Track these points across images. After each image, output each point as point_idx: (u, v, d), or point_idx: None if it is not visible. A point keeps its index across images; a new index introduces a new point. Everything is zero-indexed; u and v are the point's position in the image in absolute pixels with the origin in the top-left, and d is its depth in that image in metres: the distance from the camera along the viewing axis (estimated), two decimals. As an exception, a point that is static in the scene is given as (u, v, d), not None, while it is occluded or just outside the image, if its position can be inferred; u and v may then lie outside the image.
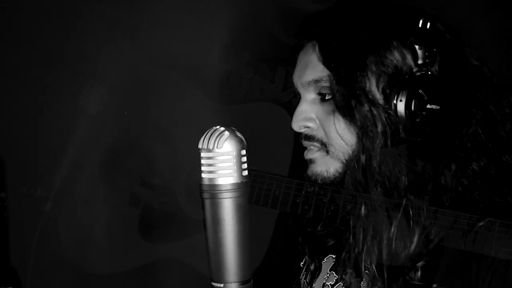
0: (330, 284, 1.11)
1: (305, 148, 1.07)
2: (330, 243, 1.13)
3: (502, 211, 0.92)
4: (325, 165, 1.02)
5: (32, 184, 1.30)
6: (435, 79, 0.95)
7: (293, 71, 1.08)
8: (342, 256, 1.01)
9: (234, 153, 0.79)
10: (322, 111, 1.01)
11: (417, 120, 0.94)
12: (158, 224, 1.43)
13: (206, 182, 0.79)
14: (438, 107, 0.94)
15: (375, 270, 0.94)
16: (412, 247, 0.93)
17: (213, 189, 0.79)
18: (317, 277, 1.15)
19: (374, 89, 0.95)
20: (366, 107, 0.94)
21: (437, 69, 0.96)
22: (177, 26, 1.43)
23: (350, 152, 0.98)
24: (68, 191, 1.34)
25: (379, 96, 0.95)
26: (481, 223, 0.92)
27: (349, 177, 0.97)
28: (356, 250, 0.96)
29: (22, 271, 1.26)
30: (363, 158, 0.95)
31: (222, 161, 0.78)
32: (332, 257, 1.14)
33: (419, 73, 0.94)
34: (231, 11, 1.48)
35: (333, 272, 1.11)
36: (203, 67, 1.46)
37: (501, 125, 0.99)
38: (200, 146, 0.80)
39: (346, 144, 0.97)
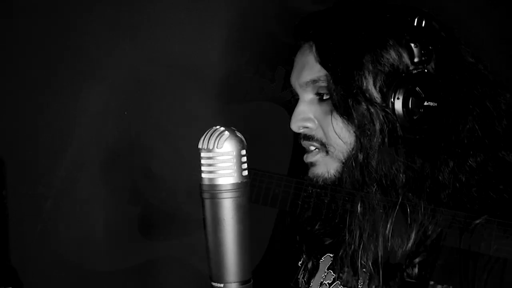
0: (328, 282, 1.12)
1: (304, 150, 1.08)
2: (327, 242, 1.14)
3: (499, 208, 0.93)
4: (326, 167, 1.02)
5: (32, 184, 1.30)
6: (432, 77, 0.96)
7: (291, 72, 1.09)
8: (340, 254, 1.02)
9: (234, 153, 0.79)
10: (320, 111, 1.02)
11: (415, 117, 0.94)
12: (158, 223, 1.44)
13: (206, 182, 0.80)
14: (435, 104, 0.95)
15: (372, 268, 0.95)
16: (409, 244, 0.94)
17: (213, 189, 0.79)
18: (315, 276, 1.16)
19: (371, 88, 0.95)
20: (363, 106, 0.95)
21: (433, 66, 0.97)
22: (177, 26, 1.43)
23: (349, 150, 0.98)
24: (68, 191, 1.34)
25: (376, 95, 0.95)
26: (477, 221, 0.92)
27: (346, 175, 0.98)
28: (353, 247, 0.97)
29: (22, 271, 1.27)
30: (360, 156, 0.95)
31: (222, 161, 0.78)
32: (330, 256, 1.15)
33: (415, 71, 0.95)
34: (231, 11, 1.48)
35: (331, 271, 1.12)
36: (203, 67, 1.46)
37: (498, 121, 1.00)
38: (200, 146, 0.80)
39: (345, 143, 0.98)
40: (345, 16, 1.01)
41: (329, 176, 1.02)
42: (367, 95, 0.95)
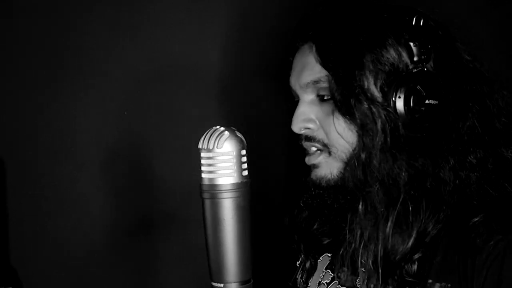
0: (326, 282, 1.12)
1: (305, 151, 1.08)
2: (325, 242, 1.14)
3: (497, 205, 0.93)
4: (329, 168, 1.03)
5: (32, 184, 1.30)
6: (432, 75, 0.97)
7: (290, 74, 1.09)
8: (340, 252, 1.02)
9: (234, 153, 0.79)
10: (322, 112, 1.03)
11: (416, 116, 0.95)
12: (158, 223, 1.43)
13: (206, 182, 0.80)
14: (436, 102, 0.96)
15: (372, 266, 0.95)
16: (410, 242, 0.94)
17: (213, 189, 0.79)
18: (313, 275, 1.16)
19: (372, 87, 0.96)
20: (365, 105, 0.95)
21: (432, 65, 0.98)
22: (177, 26, 1.43)
23: (351, 150, 0.99)
24: (68, 191, 1.34)
25: (377, 94, 0.96)
26: (476, 219, 0.93)
27: (349, 174, 0.98)
28: (354, 246, 0.97)
29: (22, 271, 1.27)
30: (363, 155, 0.96)
31: (222, 161, 0.79)
32: (328, 255, 1.15)
33: (415, 70, 0.96)
34: (231, 11, 1.49)
35: (329, 271, 1.12)
36: (203, 67, 1.46)
37: (497, 118, 1.01)
38: (200, 146, 0.80)
39: (347, 143, 0.98)
40: (344, 16, 1.02)
41: (332, 177, 1.02)
42: (369, 94, 0.96)
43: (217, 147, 0.77)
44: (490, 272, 0.87)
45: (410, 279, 0.95)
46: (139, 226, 1.41)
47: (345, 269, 1.08)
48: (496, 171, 0.98)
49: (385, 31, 0.97)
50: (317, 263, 1.16)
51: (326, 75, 1.00)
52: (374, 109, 0.95)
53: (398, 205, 0.95)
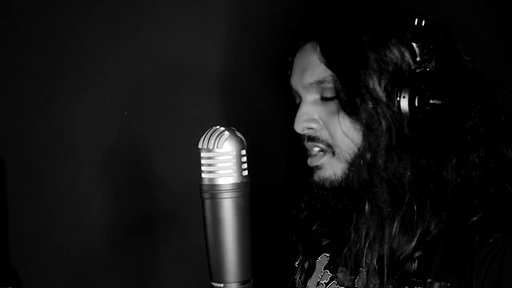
0: (324, 282, 1.12)
1: (306, 153, 1.08)
2: (324, 243, 1.14)
3: (497, 204, 0.93)
4: (333, 169, 1.03)
5: (32, 184, 1.30)
6: (434, 75, 0.97)
7: (290, 74, 1.09)
8: (344, 251, 1.02)
9: (234, 153, 0.79)
10: (325, 112, 1.02)
11: (420, 116, 0.95)
12: (158, 223, 1.43)
13: (206, 182, 0.80)
14: (440, 102, 0.96)
15: (376, 265, 0.95)
16: (414, 241, 0.94)
17: (213, 189, 0.79)
18: (311, 276, 1.16)
19: (376, 87, 0.96)
20: (370, 105, 0.95)
21: (433, 65, 0.98)
22: (177, 26, 1.43)
23: (356, 150, 0.99)
24: (68, 191, 1.33)
25: (381, 94, 0.96)
26: (475, 218, 0.93)
27: (354, 174, 0.98)
28: (358, 245, 0.97)
29: (22, 271, 1.27)
30: (368, 155, 0.96)
31: (222, 161, 0.79)
32: (326, 255, 1.15)
33: (418, 70, 0.96)
34: (231, 11, 1.49)
35: (327, 271, 1.12)
36: (203, 67, 1.46)
37: (498, 118, 1.01)
38: (200, 146, 0.80)
39: (352, 142, 0.98)
40: (347, 16, 1.02)
41: (336, 178, 1.02)
42: (374, 94, 0.96)
43: (217, 147, 0.77)
44: (489, 271, 0.87)
45: (410, 278, 0.95)
46: (139, 226, 1.41)
47: (344, 269, 1.08)
48: (497, 170, 0.98)
49: (387, 31, 0.98)
50: (315, 263, 1.16)
51: (331, 75, 0.99)
52: (379, 109, 0.95)
53: (404, 205, 0.95)
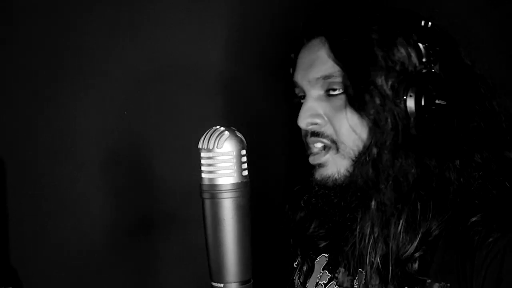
0: (323, 283, 1.12)
1: (307, 152, 1.08)
2: (322, 245, 1.14)
3: (497, 204, 0.93)
4: (336, 167, 1.02)
5: (32, 184, 1.30)
6: (440, 76, 0.97)
7: (293, 71, 1.09)
8: (347, 249, 1.02)
9: (234, 153, 0.79)
10: (330, 107, 1.02)
11: (426, 115, 0.95)
12: (158, 223, 1.43)
13: (206, 182, 0.80)
14: (445, 103, 0.96)
15: (380, 263, 0.95)
16: (417, 241, 0.94)
17: (213, 189, 0.79)
18: (310, 277, 1.16)
19: (384, 84, 0.96)
20: (378, 101, 0.95)
21: (438, 67, 0.98)
22: (177, 26, 1.43)
23: (361, 147, 0.99)
24: (68, 191, 1.34)
25: (389, 92, 0.96)
26: (474, 218, 0.93)
27: (358, 171, 0.98)
28: (363, 243, 0.97)
29: (22, 271, 1.27)
30: (374, 151, 0.96)
31: (222, 161, 0.79)
32: (325, 256, 1.15)
33: (424, 70, 0.96)
34: (231, 11, 1.49)
35: (326, 271, 1.12)
36: (203, 67, 1.46)
37: (500, 121, 1.01)
38: (200, 146, 0.80)
39: (359, 138, 0.98)
40: (355, 14, 1.02)
41: (339, 176, 1.02)
42: (381, 91, 0.97)
43: (217, 147, 0.77)
44: (489, 270, 0.87)
45: (410, 278, 0.95)
46: (139, 226, 1.41)
47: (343, 269, 1.08)
48: (499, 171, 0.98)
49: (395, 31, 0.98)
50: (314, 264, 1.16)
51: (339, 70, 1.00)
52: (386, 106, 0.96)
53: (410, 204, 0.95)
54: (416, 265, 0.95)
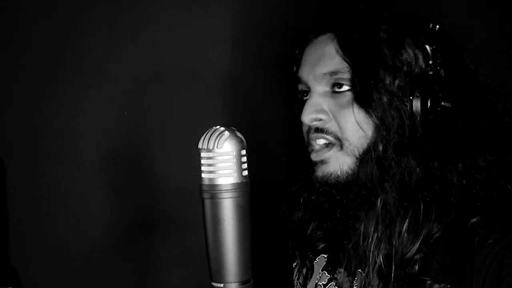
0: (323, 284, 1.12)
1: (309, 148, 1.07)
2: (320, 247, 1.13)
3: (497, 206, 0.93)
4: (338, 164, 1.02)
5: (32, 184, 1.30)
6: (446, 79, 0.98)
7: (297, 68, 1.09)
8: (349, 247, 1.02)
9: (234, 153, 0.79)
10: (335, 104, 1.02)
11: (431, 117, 0.96)
12: (158, 223, 1.43)
13: (206, 182, 0.80)
14: (450, 105, 0.97)
15: (382, 262, 0.95)
16: (418, 242, 0.94)
17: (213, 189, 0.79)
18: (310, 278, 1.16)
19: (391, 83, 0.97)
20: (385, 99, 0.96)
21: (443, 70, 0.99)
22: (177, 26, 1.43)
23: (365, 145, 0.99)
24: (68, 191, 1.34)
25: (395, 91, 0.96)
26: (474, 220, 0.93)
27: (362, 169, 0.98)
28: (365, 242, 0.97)
29: (22, 271, 1.27)
30: (380, 148, 0.96)
31: (222, 161, 0.79)
32: (324, 256, 1.15)
33: (431, 72, 0.97)
34: (232, 11, 1.49)
35: (325, 272, 1.12)
36: (203, 67, 1.46)
37: (502, 125, 1.02)
38: (200, 146, 0.80)
39: (365, 135, 0.98)
40: (364, 12, 1.03)
41: (341, 173, 1.01)
42: (389, 89, 0.97)
43: (217, 147, 0.77)
44: (489, 271, 0.87)
45: (410, 279, 0.95)
46: (139, 226, 1.41)
47: (342, 270, 1.08)
48: (501, 174, 0.98)
49: (403, 31, 0.99)
50: (313, 265, 1.16)
51: (346, 67, 0.99)
52: (394, 104, 0.96)
53: (415, 204, 0.95)
54: (416, 267, 0.95)
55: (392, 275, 0.95)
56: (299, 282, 1.18)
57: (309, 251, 1.16)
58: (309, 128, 1.05)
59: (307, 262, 1.16)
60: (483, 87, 1.03)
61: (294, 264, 1.22)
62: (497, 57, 1.62)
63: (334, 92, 1.02)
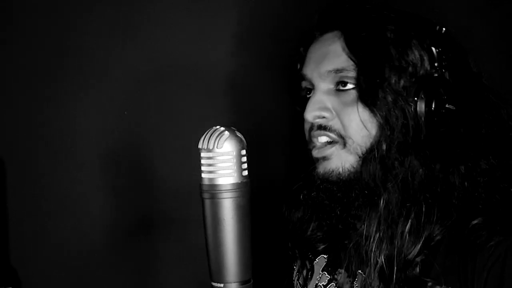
0: (323, 284, 1.12)
1: (310, 145, 1.07)
2: (320, 248, 1.13)
3: (499, 208, 0.93)
4: (340, 161, 1.01)
5: (32, 184, 1.30)
6: (450, 81, 0.98)
7: (301, 66, 1.08)
8: (349, 246, 1.01)
9: (234, 153, 0.79)
10: (339, 102, 1.02)
11: (436, 118, 0.96)
12: (158, 223, 1.43)
13: (206, 182, 0.80)
14: (454, 108, 0.96)
15: (384, 263, 0.94)
16: (420, 244, 0.94)
17: (213, 189, 0.79)
18: (310, 278, 1.15)
19: (396, 83, 0.97)
20: (390, 98, 0.96)
21: (448, 73, 0.99)
22: (177, 26, 1.43)
23: (369, 144, 0.98)
24: (68, 191, 1.34)
25: (401, 91, 0.96)
26: (475, 221, 0.93)
27: (365, 167, 0.97)
28: (367, 242, 0.97)
29: (22, 271, 1.27)
30: (384, 147, 0.96)
31: (222, 161, 0.79)
32: (324, 257, 1.14)
33: (436, 74, 0.97)
34: (231, 11, 1.49)
35: (325, 273, 1.12)
36: (204, 67, 1.46)
37: (506, 128, 1.01)
38: (200, 146, 0.80)
39: (369, 134, 0.98)
40: (371, 11, 1.03)
41: (343, 171, 1.00)
42: (394, 89, 0.97)
43: (217, 147, 0.77)
44: (491, 273, 0.87)
45: (411, 280, 0.95)
46: (139, 226, 1.41)
47: (342, 270, 1.08)
48: (503, 178, 0.98)
49: (410, 32, 0.99)
50: (313, 265, 1.16)
51: (352, 65, 0.99)
52: (398, 104, 0.96)
53: (417, 205, 0.95)
54: (417, 269, 0.95)
55: (394, 276, 0.95)
56: (299, 283, 1.18)
57: (309, 251, 1.16)
58: (312, 125, 1.04)
59: (307, 262, 1.16)
60: (487, 91, 1.03)
61: (294, 264, 1.22)
62: (497, 57, 1.62)
63: (338, 90, 1.01)
